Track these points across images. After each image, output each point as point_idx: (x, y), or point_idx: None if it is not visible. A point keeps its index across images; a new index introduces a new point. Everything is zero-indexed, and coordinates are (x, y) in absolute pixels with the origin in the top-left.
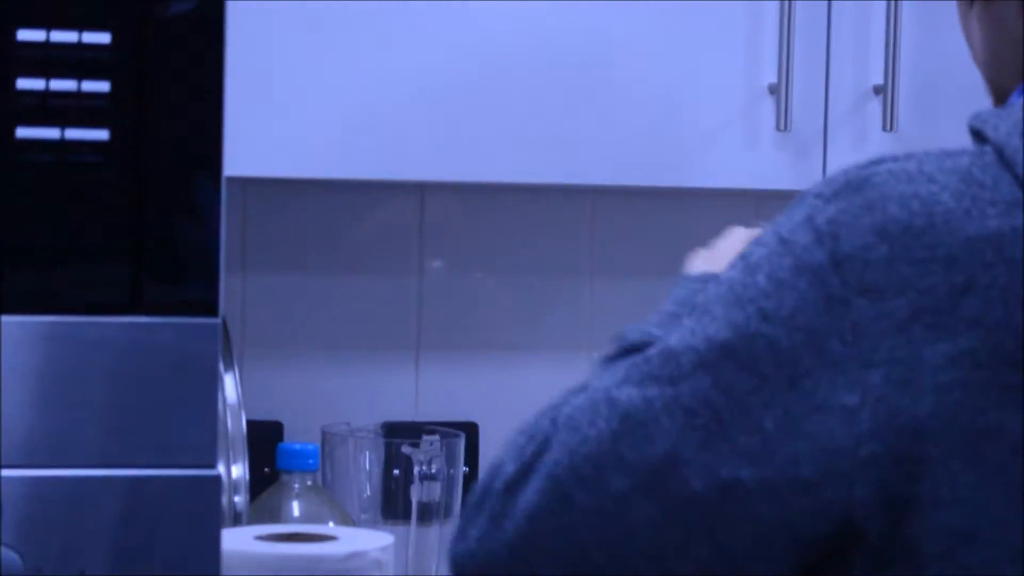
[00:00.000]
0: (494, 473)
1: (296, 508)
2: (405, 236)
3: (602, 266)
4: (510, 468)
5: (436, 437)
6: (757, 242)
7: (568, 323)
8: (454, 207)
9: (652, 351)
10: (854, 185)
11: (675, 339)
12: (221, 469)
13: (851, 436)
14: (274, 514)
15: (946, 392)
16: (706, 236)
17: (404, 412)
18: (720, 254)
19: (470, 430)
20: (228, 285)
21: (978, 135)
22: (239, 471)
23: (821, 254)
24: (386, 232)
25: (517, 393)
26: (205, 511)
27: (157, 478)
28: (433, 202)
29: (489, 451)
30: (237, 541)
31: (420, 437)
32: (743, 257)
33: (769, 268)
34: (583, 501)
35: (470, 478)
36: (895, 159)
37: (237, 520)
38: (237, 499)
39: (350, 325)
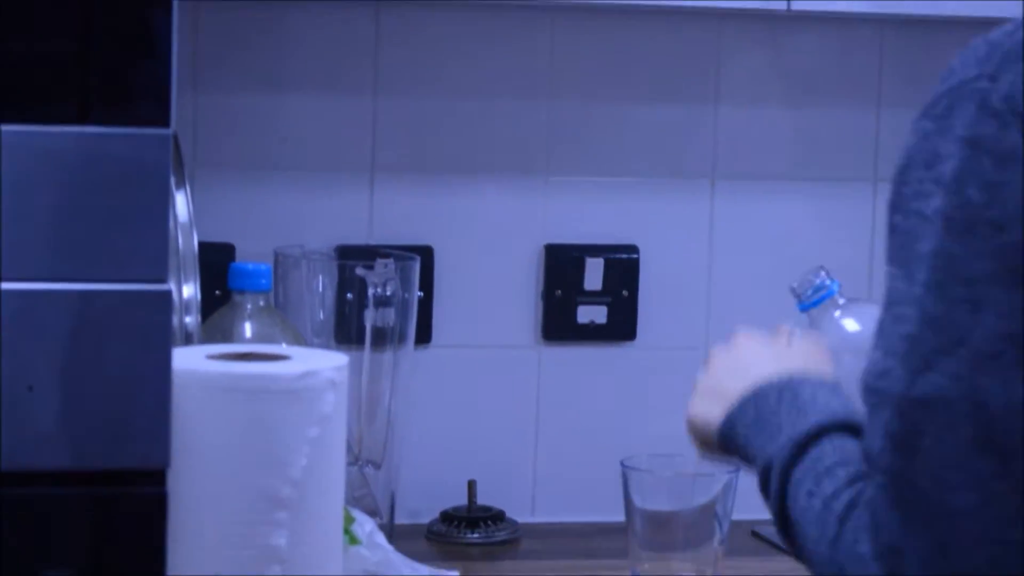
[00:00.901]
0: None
1: (248, 329)
2: (360, 54)
3: (561, 87)
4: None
5: (391, 260)
6: (934, 158)
7: (526, 145)
8: (410, 23)
9: (907, 330)
10: (1013, 53)
11: (932, 304)
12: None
13: None
14: (226, 335)
15: None
16: (667, 58)
17: (358, 235)
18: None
19: (425, 254)
20: (179, 104)
21: None
22: (190, 291)
23: (1014, 134)
24: (341, 49)
25: (473, 217)
26: (156, 326)
27: (107, 292)
28: (388, 18)
29: (444, 275)
30: (188, 360)
31: (374, 260)
32: (933, 179)
33: (973, 177)
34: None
35: (424, 302)
36: None
37: (188, 340)
38: (188, 319)
39: (303, 145)
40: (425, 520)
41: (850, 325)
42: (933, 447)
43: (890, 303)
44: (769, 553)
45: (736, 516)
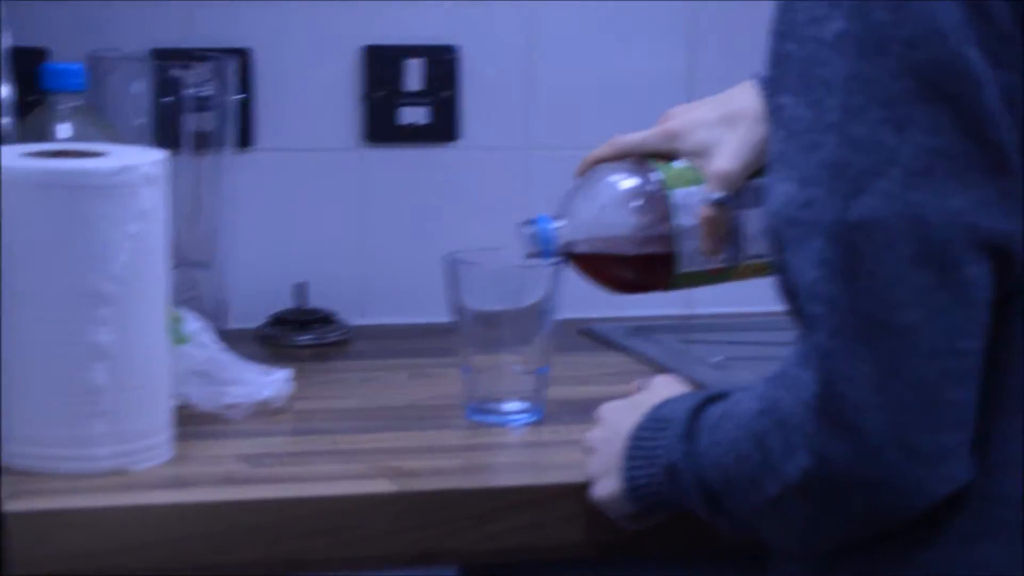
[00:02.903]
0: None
1: (65, 130)
2: None
3: None
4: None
5: (208, 62)
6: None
7: None
8: None
9: (828, 157)
10: None
11: (854, 128)
12: None
13: None
14: (42, 136)
15: None
16: None
17: (174, 38)
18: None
19: (243, 56)
20: None
21: None
22: (4, 92)
23: None
24: None
25: (291, 18)
26: None
27: None
28: None
29: (263, 78)
30: (3, 157)
31: (191, 62)
32: (828, 3)
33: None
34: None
35: (245, 106)
36: None
37: (3, 142)
38: (3, 121)
39: None
40: (256, 324)
41: (577, 208)
42: (873, 268)
43: (793, 133)
44: (599, 349)
45: (568, 315)
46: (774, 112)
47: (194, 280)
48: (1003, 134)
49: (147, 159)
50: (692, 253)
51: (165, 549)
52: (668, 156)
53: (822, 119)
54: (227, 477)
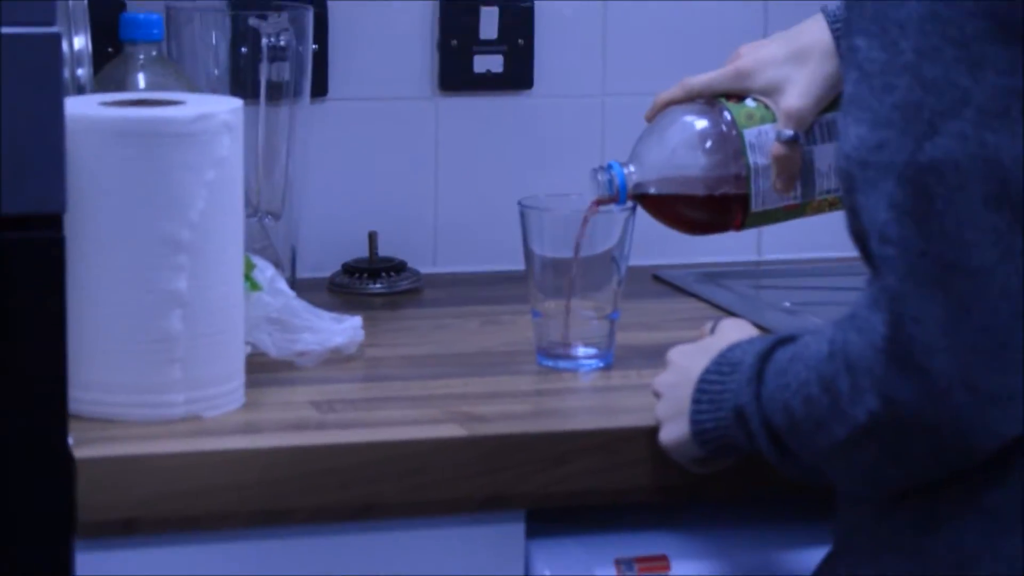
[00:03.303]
0: None
1: (142, 79)
2: None
3: None
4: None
5: (284, 11)
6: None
7: None
8: None
9: (901, 98)
10: None
11: (927, 69)
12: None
13: None
14: (119, 86)
15: None
16: None
17: None
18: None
19: (319, 5)
20: None
21: None
22: (81, 43)
23: None
24: None
25: None
26: (46, 70)
27: None
28: None
29: (338, 27)
30: (81, 106)
31: (267, 12)
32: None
33: None
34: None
35: (320, 55)
36: None
37: (81, 92)
38: (80, 71)
39: None
40: (327, 273)
41: (649, 151)
42: (945, 209)
43: (866, 75)
44: (669, 295)
45: (638, 261)
46: (848, 54)
47: (267, 229)
48: None
49: (224, 107)
50: (765, 191)
51: (235, 494)
52: (739, 95)
53: (896, 61)
54: (298, 423)
